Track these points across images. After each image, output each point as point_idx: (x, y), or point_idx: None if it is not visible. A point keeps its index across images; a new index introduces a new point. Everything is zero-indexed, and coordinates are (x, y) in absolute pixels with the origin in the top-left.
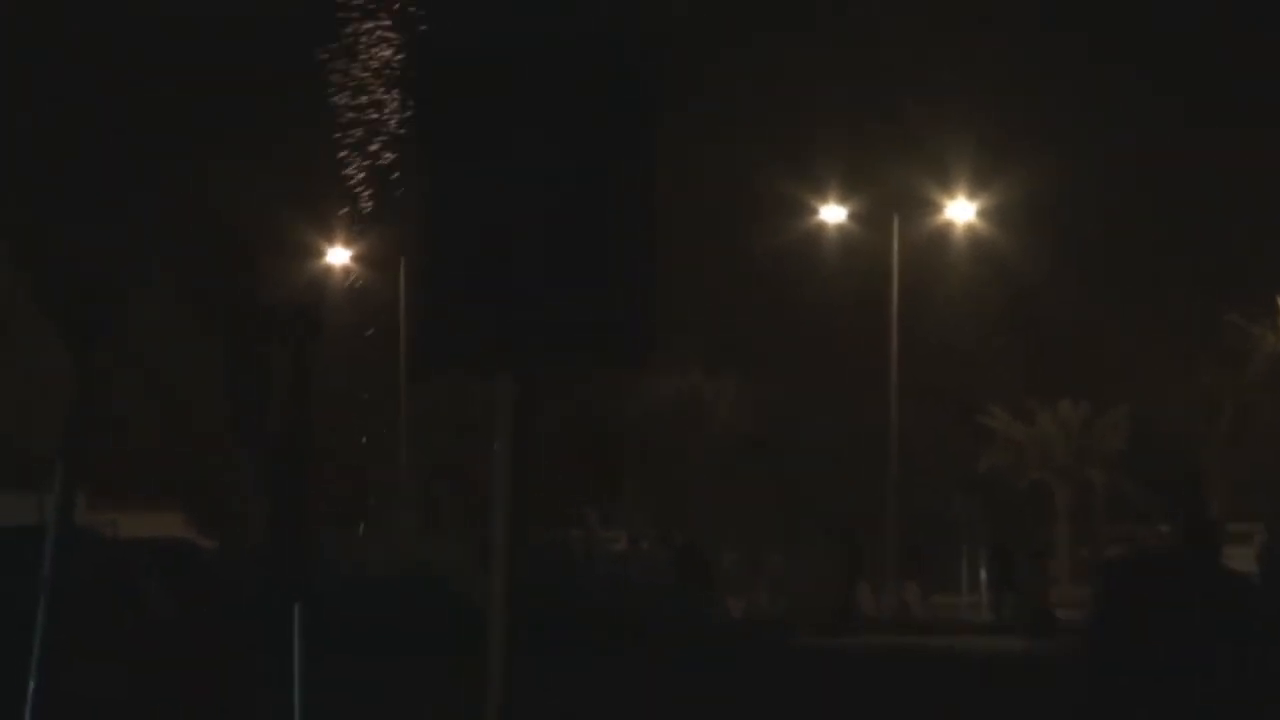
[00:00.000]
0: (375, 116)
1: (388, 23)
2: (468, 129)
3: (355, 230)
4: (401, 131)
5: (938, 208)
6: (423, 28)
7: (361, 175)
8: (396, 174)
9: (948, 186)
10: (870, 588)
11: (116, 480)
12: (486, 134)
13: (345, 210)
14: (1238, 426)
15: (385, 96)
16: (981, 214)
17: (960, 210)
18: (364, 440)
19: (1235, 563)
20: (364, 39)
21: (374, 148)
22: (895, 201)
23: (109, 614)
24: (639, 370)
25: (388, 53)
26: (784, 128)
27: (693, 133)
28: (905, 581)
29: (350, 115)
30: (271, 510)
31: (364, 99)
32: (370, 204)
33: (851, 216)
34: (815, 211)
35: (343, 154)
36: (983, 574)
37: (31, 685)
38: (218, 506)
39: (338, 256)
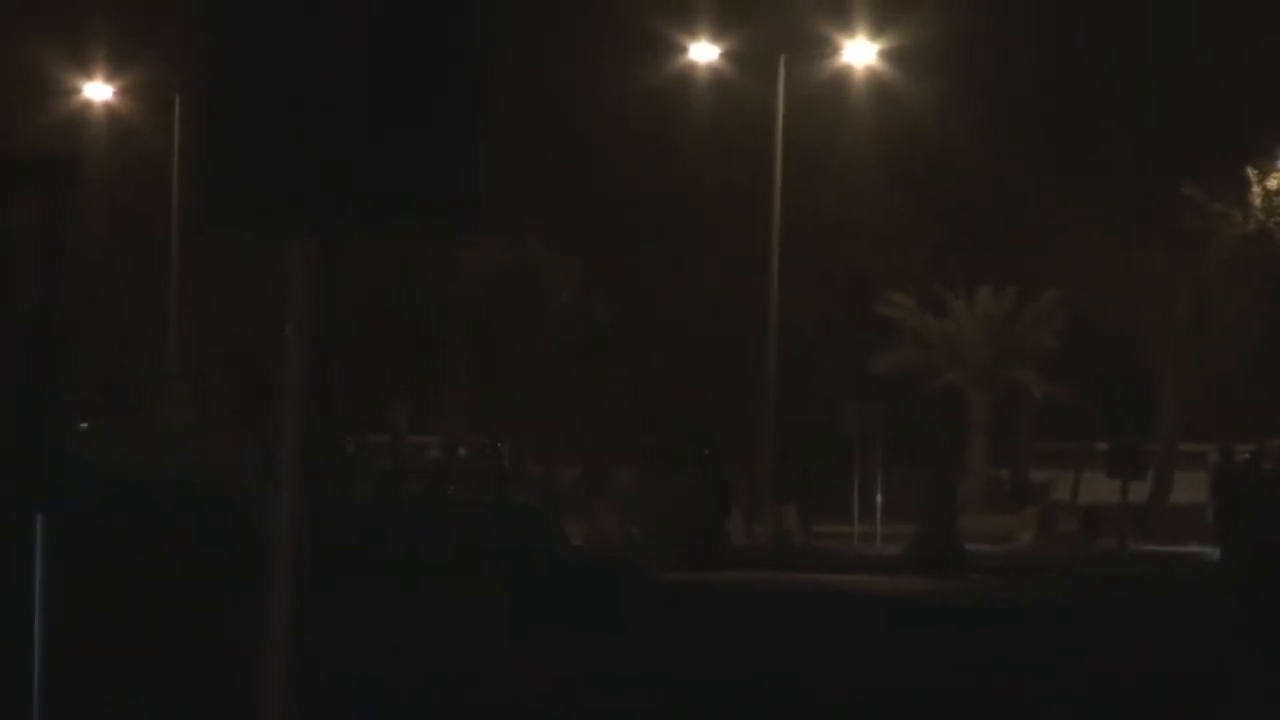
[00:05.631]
0: None
1: None
2: None
3: None
4: None
5: (833, 48)
6: None
7: None
8: None
9: (846, 23)
10: (742, 513)
11: None
12: None
13: None
14: (1195, 324)
15: None
16: (886, 56)
17: (860, 52)
18: (128, 317)
19: (1183, 490)
20: None
21: None
22: (782, 40)
23: None
24: (461, 240)
25: None
26: None
27: None
28: (784, 506)
29: None
30: (15, 400)
31: None
32: None
33: (726, 56)
34: (684, 50)
35: None
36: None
37: None
38: None
39: (98, 92)
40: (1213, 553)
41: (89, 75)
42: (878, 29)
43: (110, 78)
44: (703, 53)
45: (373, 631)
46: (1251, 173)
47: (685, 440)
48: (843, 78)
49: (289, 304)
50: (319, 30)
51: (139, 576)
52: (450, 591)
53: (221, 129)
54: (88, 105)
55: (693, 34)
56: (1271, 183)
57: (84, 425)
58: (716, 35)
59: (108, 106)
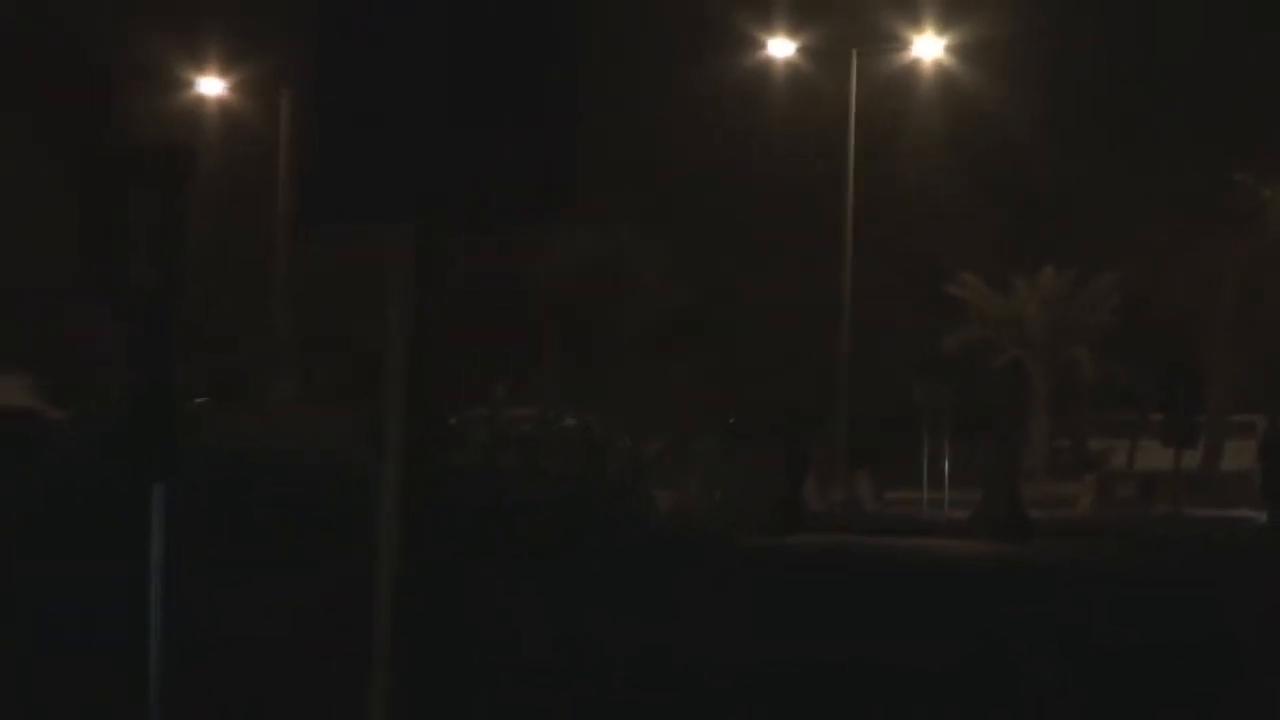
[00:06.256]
0: None
1: None
2: None
3: None
4: None
5: (903, 43)
6: None
7: None
8: None
9: (915, 19)
10: (817, 481)
11: None
12: None
13: None
14: (1244, 304)
15: None
16: (952, 51)
17: (928, 47)
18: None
19: (1233, 458)
20: None
21: None
22: (855, 35)
23: None
24: (556, 225)
25: None
26: None
27: None
28: (857, 474)
29: None
30: (134, 378)
31: None
32: None
33: (802, 51)
34: (762, 46)
35: None
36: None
37: None
38: (71, 373)
39: (211, 87)
40: (1260, 516)
41: (202, 70)
42: (945, 25)
43: (223, 72)
44: (780, 48)
45: (458, 600)
46: None
47: (772, 417)
48: (912, 71)
49: (391, 290)
50: (415, 25)
51: (249, 546)
52: (535, 561)
53: (321, 123)
54: (201, 99)
55: (770, 30)
56: None
57: (200, 400)
58: (793, 31)
59: (220, 101)
